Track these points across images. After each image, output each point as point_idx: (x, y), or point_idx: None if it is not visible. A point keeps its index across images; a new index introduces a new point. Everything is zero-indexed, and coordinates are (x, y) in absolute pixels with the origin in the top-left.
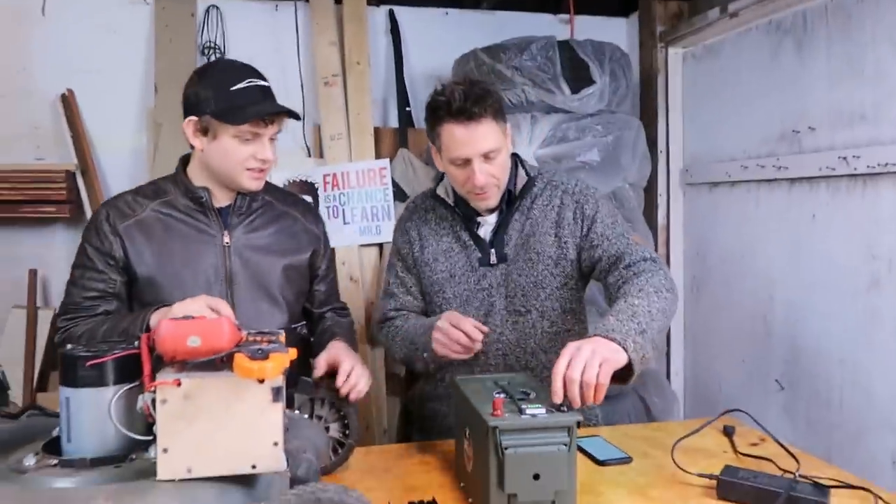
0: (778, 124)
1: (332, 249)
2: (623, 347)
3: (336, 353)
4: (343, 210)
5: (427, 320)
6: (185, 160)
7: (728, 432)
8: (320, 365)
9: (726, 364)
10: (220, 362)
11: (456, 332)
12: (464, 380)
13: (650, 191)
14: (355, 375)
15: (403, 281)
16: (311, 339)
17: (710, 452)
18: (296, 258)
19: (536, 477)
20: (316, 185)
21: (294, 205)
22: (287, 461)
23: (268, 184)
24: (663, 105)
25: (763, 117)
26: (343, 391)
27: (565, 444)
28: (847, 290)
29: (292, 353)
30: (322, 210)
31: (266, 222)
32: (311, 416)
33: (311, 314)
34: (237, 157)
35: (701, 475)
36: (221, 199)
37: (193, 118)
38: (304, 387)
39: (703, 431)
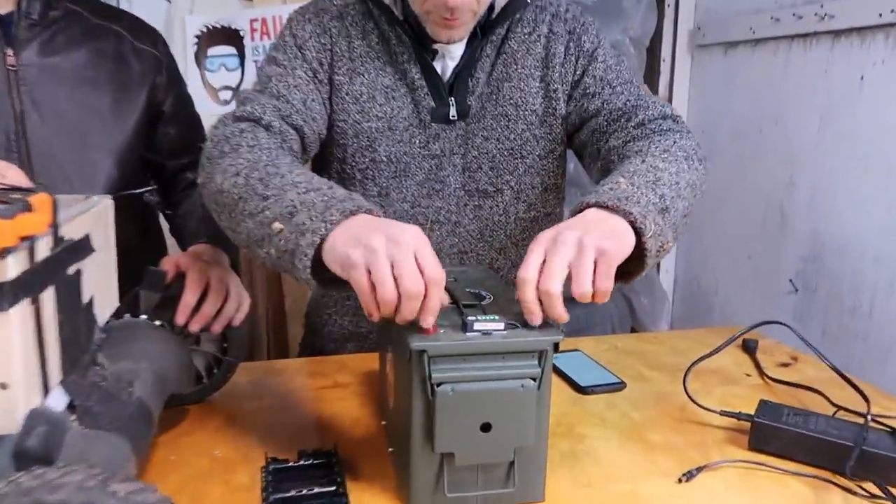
0: None
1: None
2: (635, 228)
3: (186, 264)
4: None
5: (325, 184)
6: None
7: (749, 348)
8: (168, 270)
9: (728, 260)
10: None
11: (415, 295)
12: None
13: (652, 53)
14: (211, 304)
15: (302, 87)
16: (170, 213)
17: (728, 375)
18: (124, 90)
19: (486, 428)
20: (242, 34)
21: (116, 18)
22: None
23: None
24: None
25: None
26: (192, 327)
27: (534, 379)
28: (894, 171)
29: (36, 220)
30: (248, 64)
31: (73, 40)
32: (170, 325)
33: (162, 170)
34: None
35: (725, 413)
36: (0, 3)
37: None
38: (154, 281)
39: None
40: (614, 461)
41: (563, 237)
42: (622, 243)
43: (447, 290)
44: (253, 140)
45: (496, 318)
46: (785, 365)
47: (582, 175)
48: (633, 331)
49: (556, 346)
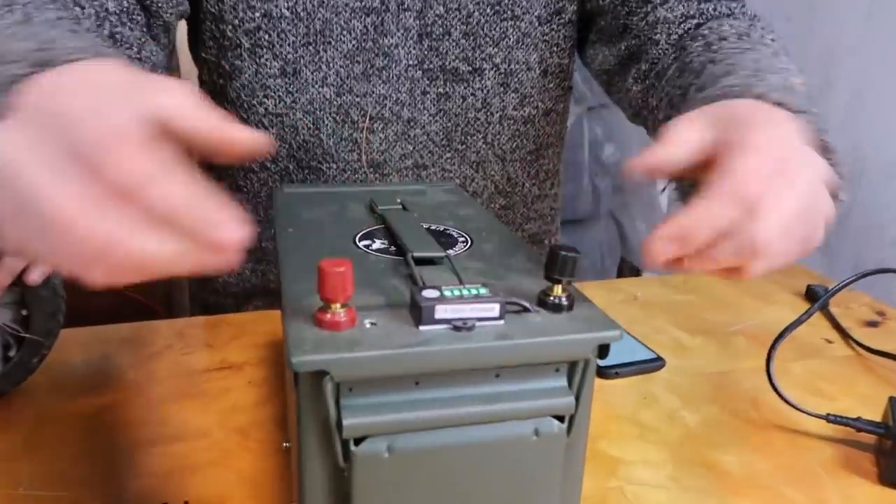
0: None
1: None
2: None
3: None
4: None
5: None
6: None
7: (818, 295)
8: None
9: None
10: None
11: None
12: (298, 195)
13: None
14: None
15: None
16: None
17: (803, 342)
18: None
19: None
20: None
21: None
22: None
23: None
24: None
25: None
26: None
27: (560, 419)
28: None
29: None
30: None
31: None
32: None
33: None
34: None
35: (837, 421)
36: None
37: None
38: None
39: (774, 298)
40: None
41: (792, 167)
42: (829, 202)
43: (393, 231)
44: None
45: (480, 289)
46: (872, 324)
47: None
48: (622, 262)
49: (603, 351)
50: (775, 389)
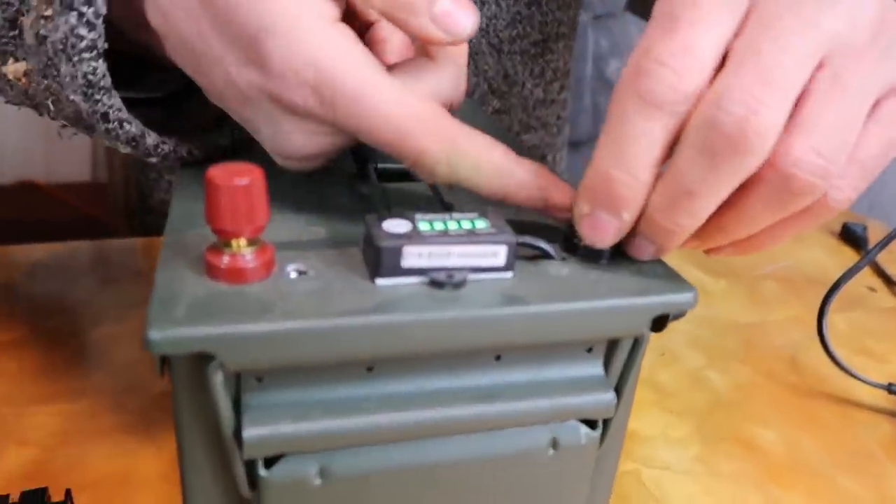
0: None
1: None
2: None
3: None
4: None
5: None
6: None
7: (855, 236)
8: None
9: None
10: None
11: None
12: None
13: None
14: None
15: None
16: None
17: (845, 293)
18: None
19: None
20: None
21: None
22: None
23: None
24: None
25: None
26: None
27: (592, 425)
28: None
29: None
30: None
31: None
32: None
33: None
34: None
35: None
36: None
37: None
38: None
39: (804, 235)
40: None
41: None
42: None
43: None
44: None
45: (476, 221)
46: None
47: None
48: None
49: (660, 323)
50: (832, 358)
